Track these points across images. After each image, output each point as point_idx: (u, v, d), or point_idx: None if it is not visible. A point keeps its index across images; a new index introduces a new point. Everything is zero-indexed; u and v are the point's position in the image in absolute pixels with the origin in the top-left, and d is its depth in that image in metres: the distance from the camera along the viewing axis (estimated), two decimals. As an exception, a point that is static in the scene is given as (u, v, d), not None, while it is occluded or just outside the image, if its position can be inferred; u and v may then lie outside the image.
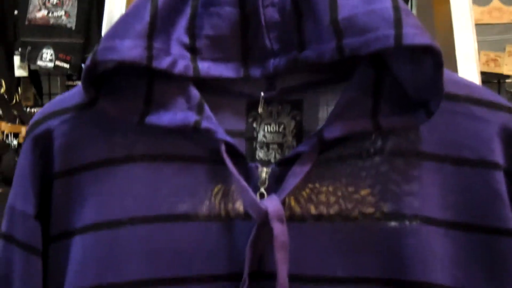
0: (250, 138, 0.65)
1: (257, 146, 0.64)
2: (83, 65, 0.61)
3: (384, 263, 0.59)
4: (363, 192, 0.60)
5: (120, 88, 0.62)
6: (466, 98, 0.62)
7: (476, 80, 0.89)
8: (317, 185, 0.60)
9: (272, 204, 0.58)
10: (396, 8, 0.56)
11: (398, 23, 0.56)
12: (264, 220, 0.57)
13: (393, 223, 0.59)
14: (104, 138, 0.64)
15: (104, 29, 0.75)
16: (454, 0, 0.90)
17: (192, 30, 0.62)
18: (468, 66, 0.90)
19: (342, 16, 0.57)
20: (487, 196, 0.60)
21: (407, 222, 0.59)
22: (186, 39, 0.62)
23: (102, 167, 0.63)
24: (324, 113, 0.63)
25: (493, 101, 0.63)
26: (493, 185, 0.60)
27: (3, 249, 0.66)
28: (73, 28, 2.07)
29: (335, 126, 0.59)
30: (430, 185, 0.60)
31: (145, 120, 0.61)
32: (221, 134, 0.60)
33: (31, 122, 0.67)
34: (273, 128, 0.64)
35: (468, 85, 0.64)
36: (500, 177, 0.60)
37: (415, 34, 0.55)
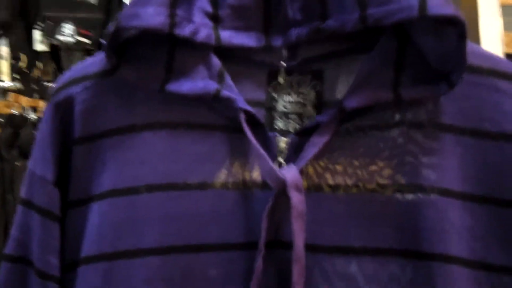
0: (270, 107, 0.64)
1: (277, 116, 0.64)
2: (102, 41, 0.61)
3: (400, 234, 0.59)
4: (381, 164, 0.60)
5: (141, 56, 0.63)
6: (489, 70, 0.62)
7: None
8: (335, 155, 0.60)
9: (290, 173, 0.58)
10: None
11: None
12: (282, 189, 0.57)
13: (410, 195, 0.59)
14: (124, 105, 0.64)
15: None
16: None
17: None
18: (492, 48, 0.88)
19: None
20: (507, 170, 0.59)
21: (424, 194, 0.59)
22: (209, 8, 0.63)
23: (122, 134, 0.63)
24: (345, 84, 0.63)
25: None
26: None
27: (22, 214, 0.67)
28: (95, 3, 2.07)
29: (355, 96, 0.59)
30: (449, 157, 0.60)
31: (165, 88, 0.61)
32: (241, 103, 0.60)
33: (54, 88, 0.67)
34: (293, 98, 0.64)
35: (492, 57, 0.63)
36: None
37: (439, 4, 0.55)
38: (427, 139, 0.60)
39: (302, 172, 0.59)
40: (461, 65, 0.57)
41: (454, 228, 0.59)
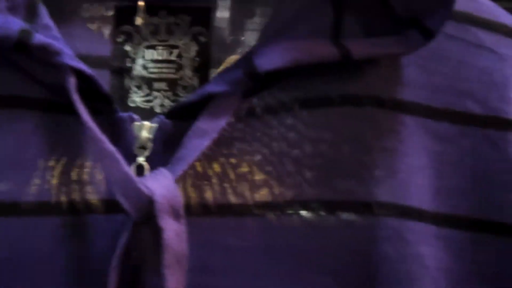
0: (120, 69, 0.40)
1: (133, 83, 0.40)
2: None
3: (346, 284, 0.36)
4: (310, 171, 0.36)
5: None
6: (468, 17, 0.41)
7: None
8: (235, 152, 0.36)
9: (161, 185, 0.33)
10: None
11: None
12: (146, 214, 0.33)
13: (358, 218, 0.36)
14: None
15: None
16: None
17: None
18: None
19: None
20: (502, 174, 0.39)
21: (380, 217, 0.36)
22: None
23: None
24: (249, 31, 0.40)
25: (510, 26, 0.42)
26: (510, 157, 0.39)
27: None
28: None
29: (274, 48, 0.35)
30: (416, 155, 0.38)
31: None
32: (69, 58, 0.35)
33: None
34: (160, 53, 0.40)
35: None
36: None
37: None
38: (385, 125, 0.38)
39: (182, 182, 0.34)
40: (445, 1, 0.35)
41: (426, 270, 0.37)
